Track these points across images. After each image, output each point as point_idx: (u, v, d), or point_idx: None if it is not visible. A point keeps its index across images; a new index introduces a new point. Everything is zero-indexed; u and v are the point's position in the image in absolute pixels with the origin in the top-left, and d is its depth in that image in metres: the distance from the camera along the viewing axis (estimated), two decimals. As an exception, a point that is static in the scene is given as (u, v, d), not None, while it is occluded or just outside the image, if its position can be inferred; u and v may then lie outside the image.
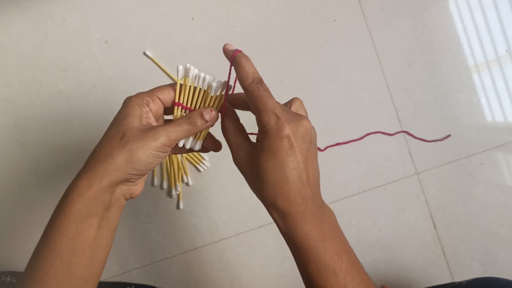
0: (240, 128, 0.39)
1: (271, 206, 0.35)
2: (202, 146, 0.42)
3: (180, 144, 0.40)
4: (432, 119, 0.71)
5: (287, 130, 0.34)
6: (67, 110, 0.68)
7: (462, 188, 0.71)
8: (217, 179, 0.69)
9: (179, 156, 0.68)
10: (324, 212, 0.36)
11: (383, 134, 0.70)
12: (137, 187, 0.38)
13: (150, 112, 0.38)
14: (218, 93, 0.38)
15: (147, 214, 0.69)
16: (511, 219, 0.71)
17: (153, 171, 0.69)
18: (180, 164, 0.68)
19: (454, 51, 0.72)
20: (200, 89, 0.38)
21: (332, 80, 0.71)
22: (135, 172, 0.35)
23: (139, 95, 0.38)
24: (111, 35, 0.69)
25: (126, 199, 0.38)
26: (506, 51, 0.72)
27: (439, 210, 0.71)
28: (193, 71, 0.37)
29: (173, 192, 0.68)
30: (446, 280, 0.70)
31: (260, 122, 0.35)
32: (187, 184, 0.69)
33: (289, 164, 0.34)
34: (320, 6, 0.71)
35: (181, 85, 0.38)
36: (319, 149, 0.70)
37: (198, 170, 0.69)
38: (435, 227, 0.71)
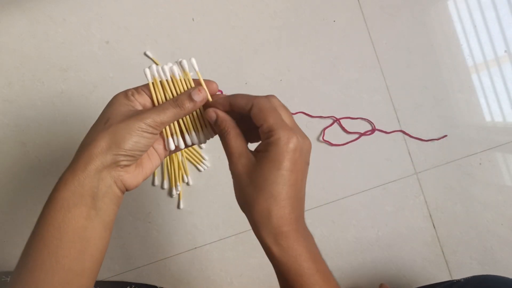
0: (240, 134, 0.37)
1: (263, 222, 0.33)
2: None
3: (172, 147, 0.39)
4: (431, 119, 0.71)
5: (296, 143, 0.33)
6: (68, 111, 0.68)
7: (461, 188, 0.71)
8: (218, 178, 0.70)
9: (179, 155, 0.68)
10: (308, 233, 0.36)
11: (380, 131, 0.71)
12: (130, 176, 0.37)
13: (136, 101, 0.37)
14: (192, 70, 0.38)
15: (148, 213, 0.69)
16: (510, 218, 0.71)
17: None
18: (181, 163, 0.68)
19: (453, 51, 0.72)
20: (174, 81, 0.38)
21: (332, 80, 0.71)
22: (122, 152, 0.34)
23: (126, 90, 0.38)
24: (112, 35, 0.69)
25: (121, 190, 0.37)
26: (505, 51, 0.72)
27: (438, 210, 0.71)
28: (158, 69, 0.37)
29: (174, 192, 0.68)
30: (445, 279, 0.70)
31: (266, 131, 0.34)
32: (187, 183, 0.69)
33: (291, 179, 0.33)
34: (320, 7, 0.71)
35: (156, 86, 0.38)
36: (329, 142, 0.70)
37: (199, 170, 0.69)
38: (434, 226, 0.71)
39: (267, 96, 0.37)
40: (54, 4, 0.68)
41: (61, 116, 0.68)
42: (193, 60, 0.38)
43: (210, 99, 0.38)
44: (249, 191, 0.34)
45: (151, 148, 0.40)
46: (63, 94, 0.69)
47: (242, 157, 0.35)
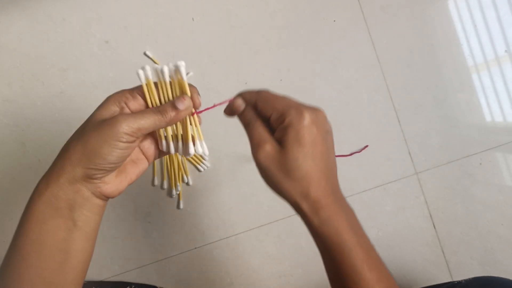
0: (263, 124, 0.37)
1: (302, 198, 0.34)
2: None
3: (170, 151, 0.38)
4: (432, 119, 0.71)
5: (308, 117, 0.34)
6: (67, 111, 0.68)
7: (462, 188, 0.71)
8: (218, 179, 0.69)
9: (179, 156, 0.68)
10: (347, 205, 0.37)
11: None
12: (110, 186, 0.35)
13: (126, 108, 0.35)
14: (181, 75, 0.35)
15: (148, 214, 0.69)
16: (511, 219, 0.71)
17: (153, 171, 0.69)
18: (181, 164, 0.68)
19: (454, 51, 0.72)
20: (168, 83, 0.36)
21: (332, 80, 0.71)
22: (93, 166, 0.32)
23: (121, 92, 0.36)
24: (112, 35, 0.69)
25: (102, 199, 0.35)
26: (505, 51, 0.72)
27: (439, 210, 0.71)
28: (151, 70, 0.35)
29: (174, 192, 0.68)
30: (446, 280, 0.70)
31: (277, 117, 0.35)
32: (187, 184, 0.69)
33: (316, 153, 0.34)
34: (320, 7, 0.71)
35: (149, 88, 0.36)
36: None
37: (199, 170, 0.69)
38: (434, 227, 0.71)
39: (263, 90, 0.38)
40: (53, 4, 0.68)
41: (61, 116, 0.68)
42: (182, 63, 0.35)
43: (193, 110, 0.37)
44: (280, 178, 0.34)
45: (138, 151, 0.39)
46: (63, 94, 0.68)
47: (266, 144, 0.34)
